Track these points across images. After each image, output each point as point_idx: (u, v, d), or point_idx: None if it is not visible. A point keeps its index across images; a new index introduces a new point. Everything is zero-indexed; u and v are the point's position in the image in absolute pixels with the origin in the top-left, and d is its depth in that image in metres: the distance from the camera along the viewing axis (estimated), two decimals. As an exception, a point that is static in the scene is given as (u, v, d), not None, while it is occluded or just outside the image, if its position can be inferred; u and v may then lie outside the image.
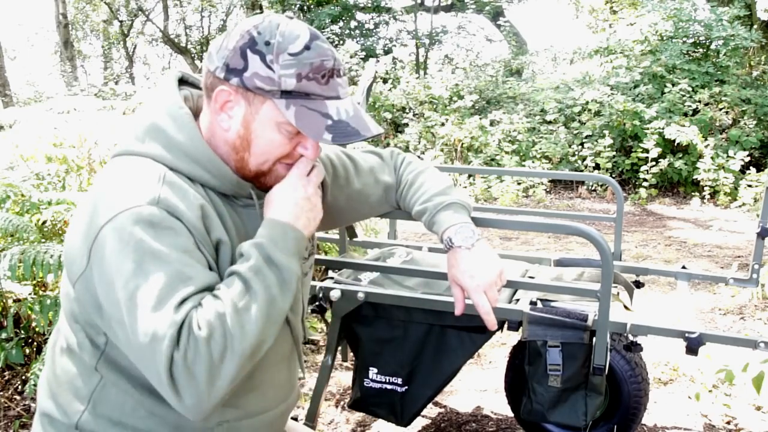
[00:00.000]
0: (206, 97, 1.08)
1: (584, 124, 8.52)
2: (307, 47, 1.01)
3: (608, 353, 1.68)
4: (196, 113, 1.12)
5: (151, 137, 1.05)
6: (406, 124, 9.43)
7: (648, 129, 7.86)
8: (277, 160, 1.08)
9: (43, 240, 2.47)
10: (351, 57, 10.52)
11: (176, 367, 0.88)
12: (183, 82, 1.17)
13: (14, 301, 2.55)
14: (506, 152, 8.36)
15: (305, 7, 14.20)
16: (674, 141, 7.60)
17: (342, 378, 2.67)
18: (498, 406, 2.48)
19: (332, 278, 1.92)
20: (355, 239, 2.35)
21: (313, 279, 1.98)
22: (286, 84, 1.01)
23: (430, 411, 2.45)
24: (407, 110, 9.90)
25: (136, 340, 0.91)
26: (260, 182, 1.11)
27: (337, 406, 2.47)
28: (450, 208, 1.33)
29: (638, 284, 2.22)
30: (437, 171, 1.45)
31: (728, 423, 2.38)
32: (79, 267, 0.99)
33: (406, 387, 1.83)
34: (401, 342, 1.81)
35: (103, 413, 1.04)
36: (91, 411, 1.04)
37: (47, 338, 2.33)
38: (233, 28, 1.07)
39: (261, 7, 14.89)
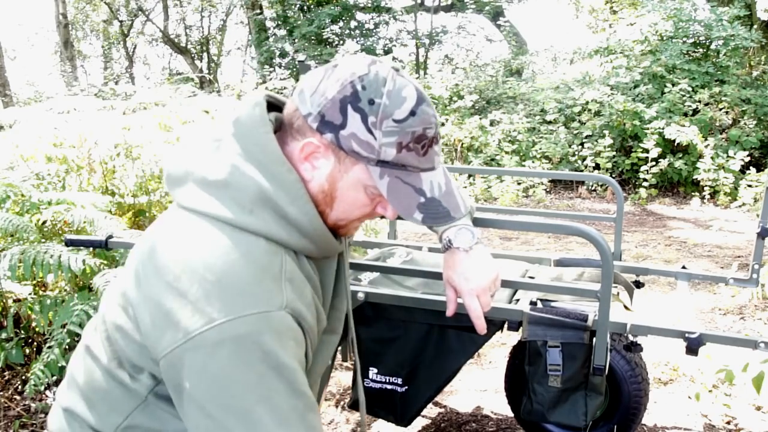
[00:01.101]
0: (290, 133, 0.98)
1: (584, 124, 8.52)
2: (412, 113, 0.93)
3: (608, 353, 1.68)
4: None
5: (261, 208, 0.93)
6: (406, 124, 9.43)
7: (648, 129, 7.86)
8: (357, 219, 1.04)
9: (43, 240, 2.47)
10: (351, 57, 10.51)
11: None
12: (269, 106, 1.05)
13: (14, 301, 2.55)
14: (506, 152, 8.36)
15: (305, 7, 14.20)
16: (674, 141, 7.60)
17: (342, 378, 2.67)
18: (498, 406, 2.48)
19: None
20: (355, 239, 2.35)
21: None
22: (386, 154, 0.93)
23: (430, 411, 2.45)
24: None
25: None
26: (335, 232, 1.06)
27: (337, 406, 2.47)
28: None
29: (638, 284, 2.22)
30: None
31: (728, 423, 2.38)
32: (167, 345, 0.88)
33: (406, 387, 1.83)
34: (401, 342, 1.81)
35: (140, 425, 1.01)
36: (127, 427, 1.01)
37: (47, 338, 2.33)
38: (332, 71, 0.96)
39: (261, 7, 14.89)
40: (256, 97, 1.02)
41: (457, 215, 1.01)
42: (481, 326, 1.24)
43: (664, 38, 9.11)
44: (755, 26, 9.66)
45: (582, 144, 8.37)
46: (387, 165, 0.94)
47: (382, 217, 1.07)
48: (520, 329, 1.73)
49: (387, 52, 13.31)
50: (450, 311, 1.28)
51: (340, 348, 2.26)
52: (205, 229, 0.92)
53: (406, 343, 1.81)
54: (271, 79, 10.64)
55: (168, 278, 0.90)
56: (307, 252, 0.99)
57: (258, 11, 14.62)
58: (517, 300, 1.86)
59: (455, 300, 1.28)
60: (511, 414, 2.12)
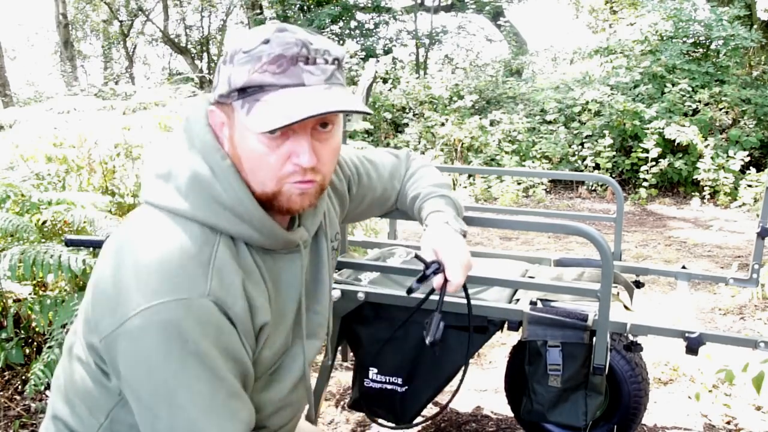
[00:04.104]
0: None
1: (584, 124, 8.52)
2: (265, 41, 0.91)
3: (608, 353, 1.68)
4: None
5: (196, 192, 0.95)
6: (406, 124, 9.44)
7: (648, 129, 7.86)
8: (277, 180, 0.95)
9: (43, 240, 2.47)
10: (351, 57, 10.52)
11: None
12: None
13: (14, 301, 2.55)
14: (506, 152, 8.36)
15: (305, 7, 14.20)
16: (674, 141, 7.60)
17: (342, 378, 2.67)
18: (498, 406, 2.48)
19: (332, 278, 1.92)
20: (355, 239, 2.35)
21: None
22: (235, 81, 0.92)
23: (431, 411, 2.45)
24: (407, 110, 9.91)
25: None
26: (276, 208, 0.99)
27: (337, 406, 2.47)
28: (443, 200, 1.35)
29: (638, 284, 2.22)
30: (437, 170, 1.47)
31: (728, 423, 2.38)
32: (105, 329, 0.92)
33: (406, 387, 1.83)
34: (401, 342, 1.81)
35: (123, 420, 1.01)
36: (108, 427, 1.02)
37: (47, 338, 2.32)
38: None
39: (261, 7, 14.89)
40: (203, 96, 1.07)
41: (324, 109, 0.90)
42: (454, 289, 1.20)
43: (664, 38, 9.11)
44: (755, 26, 9.65)
45: (582, 144, 8.37)
46: (246, 93, 0.91)
47: (312, 177, 0.96)
48: (520, 329, 1.73)
49: (387, 52, 13.30)
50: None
51: (340, 348, 2.27)
52: (148, 218, 0.96)
53: (406, 343, 1.81)
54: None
55: (109, 264, 0.93)
56: (251, 240, 0.98)
57: (258, 11, 14.62)
58: (517, 300, 1.87)
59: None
60: (511, 414, 2.12)
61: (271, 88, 0.91)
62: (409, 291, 1.20)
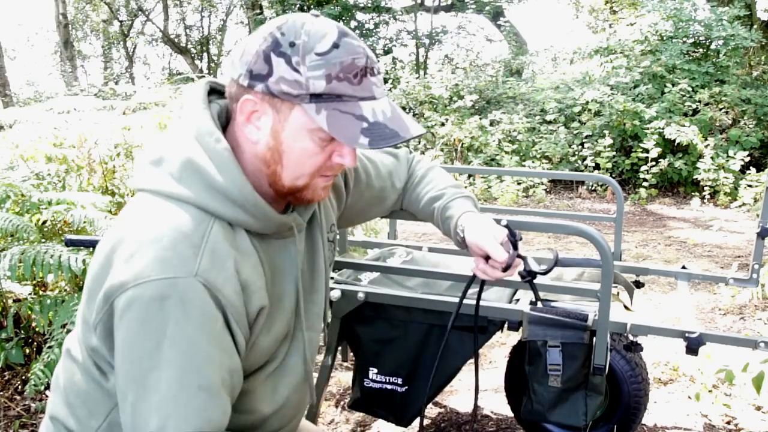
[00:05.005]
0: (232, 108, 1.00)
1: (584, 124, 8.52)
2: (335, 45, 0.93)
3: (608, 353, 1.68)
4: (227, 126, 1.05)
5: (189, 176, 0.95)
6: (406, 124, 9.43)
7: (648, 129, 7.87)
8: (314, 174, 1.00)
9: (43, 240, 2.47)
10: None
11: None
12: (212, 91, 1.07)
13: (14, 301, 2.55)
14: (506, 152, 8.36)
15: (305, 7, 14.20)
16: (674, 141, 7.60)
17: (342, 378, 2.67)
18: (498, 406, 2.48)
19: (332, 278, 1.92)
20: (355, 239, 2.35)
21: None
22: (315, 86, 0.92)
23: (430, 411, 2.45)
24: (407, 110, 9.91)
25: (135, 422, 0.88)
26: (297, 198, 1.04)
27: (337, 406, 2.47)
28: (469, 201, 1.37)
29: (638, 284, 2.22)
30: (445, 172, 1.48)
31: (728, 423, 2.38)
32: (99, 309, 0.93)
33: (406, 387, 1.82)
34: (401, 342, 1.81)
35: (120, 422, 1.00)
36: (107, 429, 1.01)
37: (47, 338, 2.33)
38: (255, 32, 0.98)
39: (261, 7, 14.89)
40: (200, 81, 1.08)
41: (407, 135, 0.98)
42: (504, 263, 1.22)
43: (664, 38, 9.11)
44: (755, 26, 9.65)
45: (582, 144, 8.37)
46: (321, 99, 0.93)
47: (344, 175, 1.06)
48: (520, 329, 1.73)
49: (387, 52, 13.31)
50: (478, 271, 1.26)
51: (340, 348, 2.27)
52: (141, 203, 0.97)
53: (406, 343, 1.81)
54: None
55: (103, 252, 0.94)
56: (245, 225, 0.98)
57: (258, 11, 14.62)
58: (517, 300, 1.87)
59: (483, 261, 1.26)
60: (511, 414, 2.12)
61: (349, 99, 0.94)
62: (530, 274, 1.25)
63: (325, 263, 1.18)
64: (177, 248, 0.89)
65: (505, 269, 1.21)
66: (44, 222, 2.56)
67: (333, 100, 0.94)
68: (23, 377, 2.49)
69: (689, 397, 2.55)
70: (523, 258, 1.22)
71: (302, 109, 0.94)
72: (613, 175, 8.01)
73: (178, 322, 0.87)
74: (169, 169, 0.96)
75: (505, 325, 1.80)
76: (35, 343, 2.57)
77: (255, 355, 1.02)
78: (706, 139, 7.73)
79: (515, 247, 1.20)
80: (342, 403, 2.48)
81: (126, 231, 0.93)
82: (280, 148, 0.97)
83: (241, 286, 0.94)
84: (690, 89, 8.35)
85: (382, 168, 1.41)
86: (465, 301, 1.39)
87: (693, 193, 7.61)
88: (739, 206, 7.01)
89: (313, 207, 1.14)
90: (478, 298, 1.46)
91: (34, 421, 2.30)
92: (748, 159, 7.49)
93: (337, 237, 1.29)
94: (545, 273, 1.22)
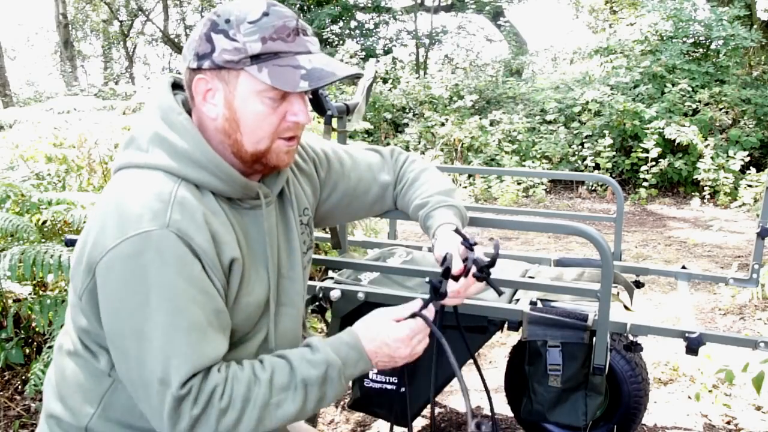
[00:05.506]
0: (190, 95, 1.08)
1: (584, 124, 8.52)
2: (265, 14, 1.02)
3: (608, 353, 1.68)
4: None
5: (155, 147, 1.03)
6: (406, 124, 9.44)
7: (648, 129, 7.86)
8: (272, 136, 1.06)
9: (43, 240, 2.47)
10: (351, 57, 10.52)
11: (181, 418, 0.92)
12: (177, 87, 1.15)
13: (14, 301, 2.55)
14: (506, 152, 8.36)
15: (305, 7, 14.20)
16: (674, 141, 7.60)
17: (342, 378, 2.67)
18: (498, 406, 2.48)
19: (332, 278, 1.92)
20: (355, 239, 2.35)
21: (313, 279, 1.98)
22: (252, 48, 1.00)
23: (430, 411, 2.45)
24: (407, 110, 9.91)
25: (142, 374, 0.93)
26: (263, 165, 1.09)
27: (337, 406, 2.47)
28: (451, 210, 1.34)
29: (638, 284, 2.22)
30: (439, 172, 1.46)
31: (728, 423, 2.38)
32: (83, 281, 0.99)
33: (406, 387, 1.82)
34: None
35: (113, 416, 1.04)
36: (101, 414, 1.04)
37: (47, 338, 2.33)
38: (197, 23, 1.08)
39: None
40: (163, 76, 1.19)
41: (344, 73, 1.05)
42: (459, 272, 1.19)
43: (664, 38, 9.10)
44: (755, 26, 9.65)
45: (582, 144, 8.37)
46: (260, 59, 1.01)
47: (298, 133, 1.09)
48: (520, 329, 1.73)
49: (387, 52, 13.31)
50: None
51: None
52: (117, 176, 1.05)
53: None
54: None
55: (88, 225, 1.02)
56: (210, 186, 1.04)
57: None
58: (517, 300, 1.86)
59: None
60: (511, 414, 2.12)
61: (285, 54, 1.02)
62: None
63: (299, 243, 1.21)
64: (147, 205, 0.96)
65: (460, 277, 1.17)
66: (44, 222, 2.56)
67: (271, 58, 1.01)
68: (23, 377, 2.49)
69: (689, 397, 2.55)
70: (475, 259, 1.18)
71: (246, 73, 1.01)
72: (613, 175, 8.01)
73: (158, 271, 0.93)
74: (138, 145, 1.05)
75: (505, 325, 1.80)
76: (35, 343, 2.57)
77: (239, 315, 1.06)
78: (706, 139, 7.73)
79: (472, 251, 1.18)
80: (342, 403, 2.48)
81: (100, 204, 1.02)
82: (236, 117, 1.04)
83: (211, 235, 0.99)
84: (690, 89, 8.35)
85: (361, 161, 1.41)
86: (466, 301, 1.39)
87: (693, 193, 7.61)
88: (739, 206, 7.01)
89: (282, 181, 1.18)
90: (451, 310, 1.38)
91: (33, 421, 2.30)
92: (748, 159, 7.49)
93: (312, 222, 1.30)
94: (491, 264, 1.19)
